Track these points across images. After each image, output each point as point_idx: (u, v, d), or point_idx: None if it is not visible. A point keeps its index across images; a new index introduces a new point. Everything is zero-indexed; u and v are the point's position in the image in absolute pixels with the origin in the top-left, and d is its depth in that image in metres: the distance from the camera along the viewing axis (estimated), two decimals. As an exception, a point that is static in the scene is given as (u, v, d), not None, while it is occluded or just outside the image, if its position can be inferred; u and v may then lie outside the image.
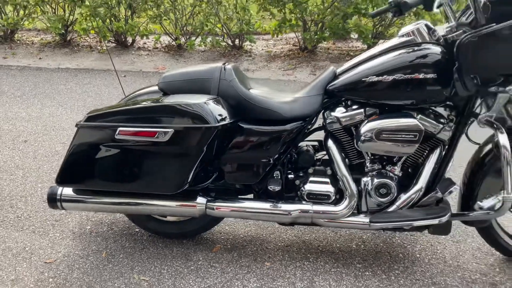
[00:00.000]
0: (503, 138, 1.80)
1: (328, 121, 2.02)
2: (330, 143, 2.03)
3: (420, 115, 1.92)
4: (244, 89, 2.01)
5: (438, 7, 1.73)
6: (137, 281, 2.03)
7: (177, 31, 5.36)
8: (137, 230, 2.37)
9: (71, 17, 5.57)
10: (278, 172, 2.07)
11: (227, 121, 1.92)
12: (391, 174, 2.01)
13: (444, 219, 1.90)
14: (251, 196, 2.16)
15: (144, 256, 2.19)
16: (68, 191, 2.09)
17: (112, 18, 5.27)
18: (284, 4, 5.05)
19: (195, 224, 2.26)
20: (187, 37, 5.40)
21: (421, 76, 1.84)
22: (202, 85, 2.01)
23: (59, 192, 2.09)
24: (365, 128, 1.92)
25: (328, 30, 5.06)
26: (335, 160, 2.02)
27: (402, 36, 1.98)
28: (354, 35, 5.24)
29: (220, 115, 1.90)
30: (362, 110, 1.97)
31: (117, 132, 1.87)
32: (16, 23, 5.51)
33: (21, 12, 5.61)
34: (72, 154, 1.96)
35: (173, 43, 5.52)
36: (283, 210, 2.01)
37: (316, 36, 5.10)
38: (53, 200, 2.09)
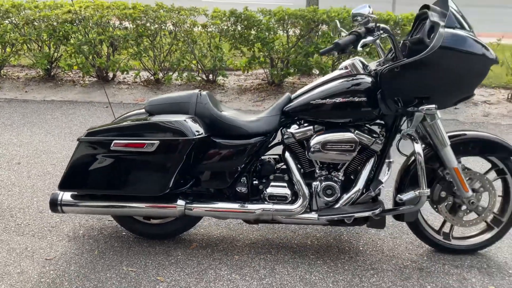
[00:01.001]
0: (417, 147, 2.31)
1: (285, 136, 2.49)
2: (287, 154, 2.50)
3: (357, 131, 2.41)
4: (217, 110, 2.48)
5: (362, 47, 2.24)
6: (126, 271, 2.41)
7: (155, 67, 5.84)
8: (124, 233, 2.75)
9: (55, 54, 5.99)
10: (244, 178, 2.52)
11: (202, 135, 2.37)
12: (335, 178, 2.48)
13: (376, 211, 2.37)
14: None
15: (131, 253, 2.57)
16: (67, 196, 2.48)
17: (95, 55, 5.72)
18: (253, 43, 5.61)
19: (175, 225, 2.66)
20: (165, 72, 5.88)
21: (355, 99, 2.34)
22: (181, 107, 2.47)
23: (59, 198, 2.48)
24: (313, 141, 2.40)
25: (292, 66, 5.63)
26: (291, 168, 2.48)
27: (342, 69, 2.50)
28: (315, 71, 5.82)
29: (196, 130, 2.35)
30: (311, 127, 2.45)
31: (112, 144, 2.30)
32: (3, 59, 5.89)
33: (8, 49, 6.00)
34: (73, 163, 2.37)
35: (152, 77, 5.99)
36: (249, 209, 2.45)
37: (282, 72, 5.66)
38: (54, 205, 2.47)
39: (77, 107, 5.19)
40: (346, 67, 2.48)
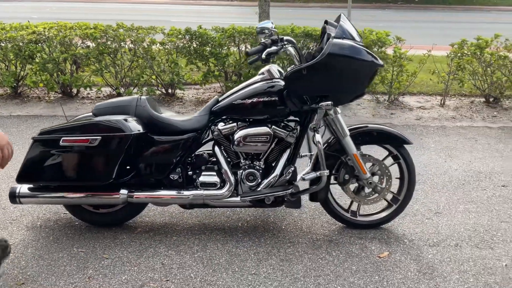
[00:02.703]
0: (317, 137, 2.77)
1: (214, 132, 2.93)
2: (216, 148, 2.94)
3: (273, 126, 2.87)
4: (154, 111, 2.90)
5: (267, 55, 2.70)
6: (76, 252, 2.79)
7: (117, 82, 6.24)
8: (77, 223, 3.12)
9: (22, 72, 6.33)
10: (179, 169, 2.94)
11: (140, 131, 2.79)
12: (257, 167, 2.92)
13: (288, 191, 2.82)
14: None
15: (82, 238, 2.95)
16: (24, 189, 2.85)
17: (59, 72, 6.10)
18: (207, 58, 6.08)
19: (122, 213, 3.06)
20: (126, 87, 6.29)
21: (269, 99, 2.80)
22: (123, 109, 2.89)
23: (17, 190, 2.85)
24: (236, 135, 2.85)
25: (245, 79, 6.12)
26: (219, 159, 2.92)
27: (261, 74, 2.97)
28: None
29: (134, 127, 2.78)
30: (235, 123, 2.90)
31: (61, 141, 2.70)
32: (-29, 79, 6.21)
33: (-25, 69, 6.32)
34: (28, 159, 2.76)
35: (114, 92, 6.39)
36: (183, 195, 2.87)
37: (236, 85, 6.14)
38: (13, 197, 2.85)
39: (41, 120, 5.54)
40: (263, 73, 2.95)
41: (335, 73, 2.67)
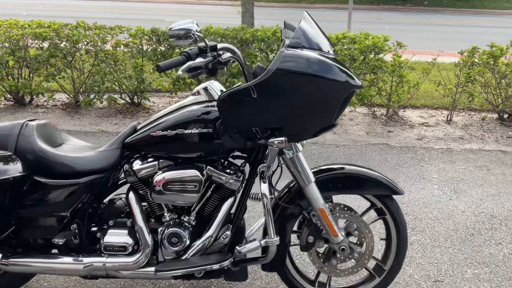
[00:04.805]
0: (263, 187, 1.94)
1: (127, 174, 2.11)
2: (131, 195, 2.11)
3: (209, 166, 2.05)
4: (42, 144, 2.08)
5: (189, 71, 1.88)
6: None
7: (76, 88, 5.44)
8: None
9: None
10: (76, 225, 2.11)
11: (19, 174, 1.98)
12: (186, 224, 2.09)
13: (225, 263, 1.99)
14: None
15: None
16: None
17: (8, 77, 5.31)
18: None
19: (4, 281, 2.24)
20: (86, 94, 5.49)
21: (202, 131, 1.98)
22: (0, 141, 2.07)
23: None
24: (156, 179, 2.02)
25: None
26: (134, 212, 2.09)
27: (194, 94, 2.15)
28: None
29: (10, 170, 1.96)
30: (156, 162, 2.08)
31: None
32: None
33: None
34: None
35: (73, 100, 5.59)
36: (78, 263, 2.04)
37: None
38: None
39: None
40: (198, 92, 2.13)
41: (288, 98, 1.83)
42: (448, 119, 5.44)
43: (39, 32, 5.05)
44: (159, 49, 5.24)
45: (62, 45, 5.17)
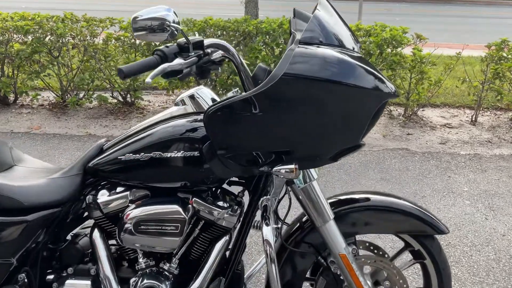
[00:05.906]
0: (265, 231, 1.45)
1: (90, 207, 1.63)
2: (95, 234, 1.63)
3: (195, 198, 1.57)
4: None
5: (166, 76, 1.41)
6: None
7: (63, 87, 4.97)
8: None
9: None
10: (25, 274, 1.64)
11: None
12: (165, 273, 1.61)
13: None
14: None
15: None
16: None
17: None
18: (174, 59, 4.78)
19: None
20: (75, 93, 5.02)
21: (186, 154, 1.49)
22: None
23: None
24: (124, 217, 1.55)
25: (219, 85, 4.81)
26: (99, 256, 1.62)
27: (178, 103, 1.66)
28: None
29: None
30: (127, 193, 1.60)
31: None
32: None
33: None
34: None
35: (59, 100, 5.12)
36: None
37: (212, 91, 4.83)
38: None
39: (-47, 138, 4.29)
40: (182, 102, 1.65)
41: (299, 112, 1.34)
42: (473, 119, 4.91)
43: (21, 25, 4.56)
44: (153, 44, 4.74)
45: (47, 39, 4.68)
